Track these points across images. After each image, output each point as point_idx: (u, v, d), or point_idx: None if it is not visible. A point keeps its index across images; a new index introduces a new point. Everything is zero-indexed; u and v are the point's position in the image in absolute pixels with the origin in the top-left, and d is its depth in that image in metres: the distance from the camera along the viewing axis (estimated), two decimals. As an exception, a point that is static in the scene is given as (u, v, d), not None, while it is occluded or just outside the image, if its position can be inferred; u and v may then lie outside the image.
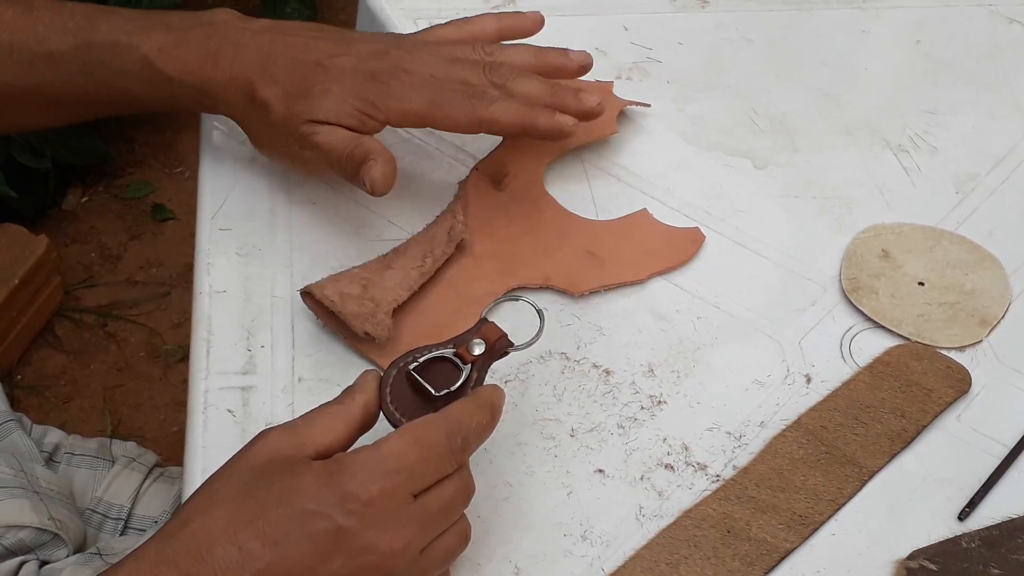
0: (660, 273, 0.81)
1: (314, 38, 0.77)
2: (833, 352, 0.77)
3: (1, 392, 0.87)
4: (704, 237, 0.83)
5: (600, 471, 0.71)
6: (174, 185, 2.04)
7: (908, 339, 0.78)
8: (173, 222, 1.99)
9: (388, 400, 0.63)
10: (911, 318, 0.79)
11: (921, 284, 0.81)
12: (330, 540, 0.56)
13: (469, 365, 0.65)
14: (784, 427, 0.73)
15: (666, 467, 0.71)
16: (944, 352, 0.77)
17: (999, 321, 0.79)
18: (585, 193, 0.86)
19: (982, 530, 0.69)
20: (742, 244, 0.83)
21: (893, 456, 0.72)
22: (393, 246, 0.79)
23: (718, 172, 0.88)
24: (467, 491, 0.62)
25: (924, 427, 0.73)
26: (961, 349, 0.78)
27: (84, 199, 2.02)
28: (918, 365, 0.76)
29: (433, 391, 0.64)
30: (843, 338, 0.78)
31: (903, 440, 0.72)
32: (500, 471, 0.70)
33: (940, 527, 0.69)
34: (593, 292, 0.80)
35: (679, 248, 0.83)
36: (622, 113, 0.90)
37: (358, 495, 0.56)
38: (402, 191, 0.81)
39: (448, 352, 0.65)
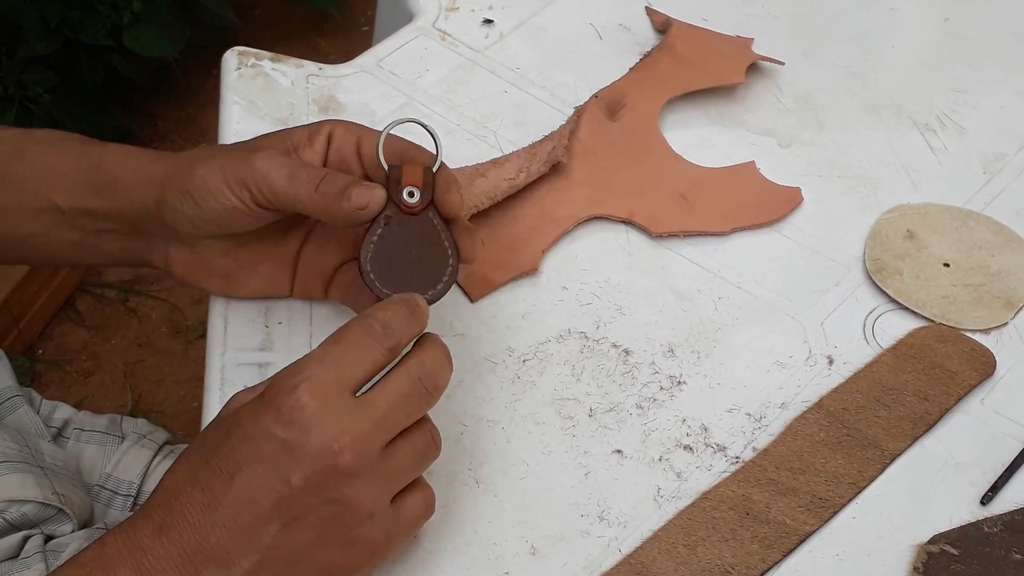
0: (746, 228, 0.82)
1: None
2: (856, 334, 0.76)
3: (9, 367, 0.86)
4: (802, 199, 0.83)
5: (618, 451, 0.70)
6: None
7: (932, 321, 0.77)
8: (195, 199, 1.99)
9: (372, 275, 0.64)
10: (936, 300, 0.78)
11: (946, 265, 0.80)
12: (279, 456, 0.56)
13: (426, 213, 0.65)
14: (805, 409, 0.72)
15: (685, 448, 0.70)
16: (969, 334, 0.76)
17: (1025, 304, 0.78)
18: (606, 171, 0.85)
19: (1004, 515, 0.68)
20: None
21: (915, 439, 0.71)
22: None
23: (742, 151, 0.87)
24: (423, 384, 0.59)
25: (947, 410, 0.72)
26: (986, 331, 0.77)
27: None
28: (942, 347, 0.75)
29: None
30: (866, 319, 0.77)
31: (926, 423, 0.71)
32: (517, 450, 0.70)
33: (962, 511, 0.68)
34: (672, 235, 0.81)
35: (773, 206, 0.83)
36: (755, 66, 0.91)
37: (290, 404, 0.56)
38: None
39: (391, 215, 0.65)
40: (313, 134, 0.68)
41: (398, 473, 0.59)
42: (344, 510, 0.57)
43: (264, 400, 0.57)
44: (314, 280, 0.73)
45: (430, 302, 0.64)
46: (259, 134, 0.71)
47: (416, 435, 0.60)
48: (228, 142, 0.84)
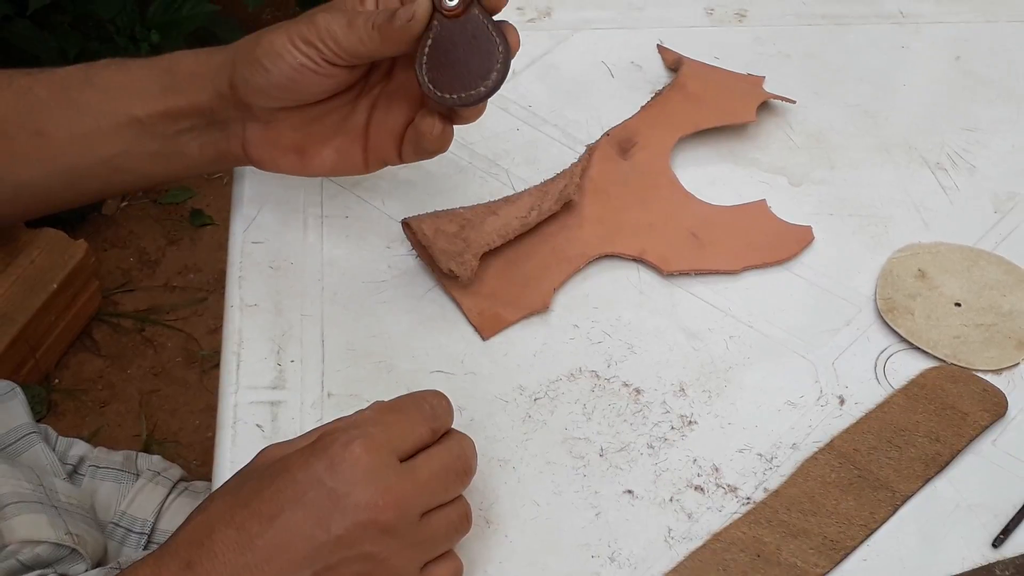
0: (757, 267, 0.82)
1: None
2: (867, 373, 0.76)
3: (25, 404, 0.87)
4: (813, 238, 0.83)
5: (629, 492, 0.70)
6: (213, 191, 2.05)
7: (944, 361, 0.77)
8: (211, 227, 2.00)
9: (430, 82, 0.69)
10: (947, 340, 0.78)
11: (958, 305, 0.80)
12: (323, 504, 0.58)
13: (469, 13, 0.69)
14: (816, 449, 0.72)
15: (696, 489, 0.71)
16: (980, 375, 0.76)
17: (1037, 344, 0.78)
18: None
19: (1017, 558, 0.68)
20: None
21: (927, 481, 0.71)
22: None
23: (753, 189, 0.87)
24: (459, 463, 0.63)
25: (959, 451, 0.72)
26: (998, 372, 0.77)
27: (123, 204, 2.03)
28: (954, 388, 0.75)
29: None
30: (878, 359, 0.77)
31: (937, 464, 0.71)
32: (528, 490, 0.70)
33: (974, 554, 0.68)
34: (683, 273, 0.81)
35: (784, 245, 0.83)
36: (766, 105, 0.91)
37: (343, 456, 0.58)
38: (436, 206, 0.80)
39: (436, 23, 0.69)
40: None
41: (431, 542, 0.62)
42: (376, 567, 0.59)
43: (316, 449, 0.59)
44: (386, 144, 0.76)
45: (488, 93, 0.70)
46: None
47: (451, 508, 0.63)
48: (243, 180, 0.85)
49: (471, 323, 0.77)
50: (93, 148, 0.74)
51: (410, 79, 0.73)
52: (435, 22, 0.69)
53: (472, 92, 0.70)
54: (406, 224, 0.78)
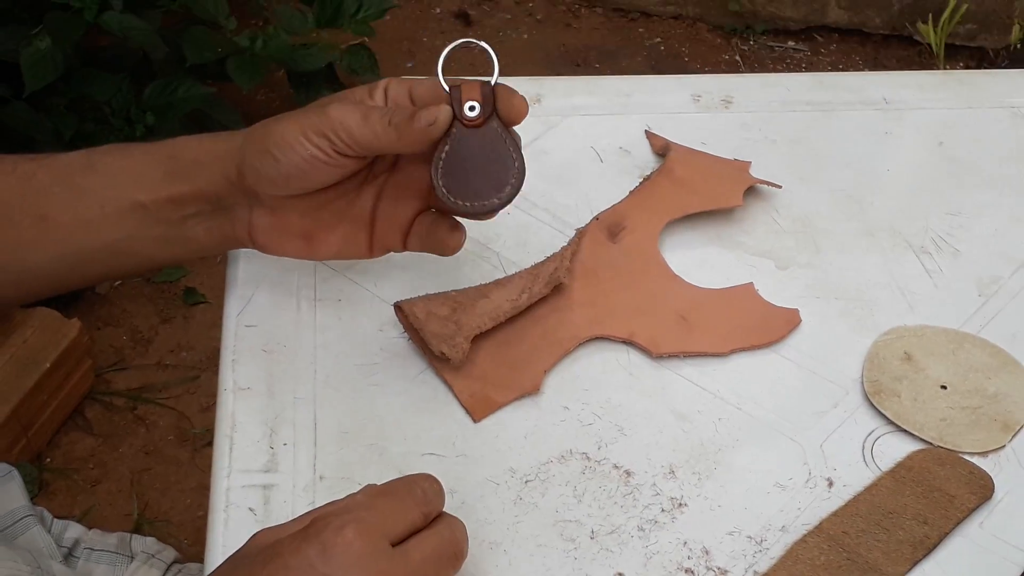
0: (745, 349, 0.83)
1: None
2: (855, 456, 0.77)
3: (22, 486, 0.87)
4: (801, 320, 0.84)
5: (620, 574, 0.70)
6: (206, 269, 2.06)
7: (931, 443, 0.78)
8: (204, 306, 2.02)
9: (444, 188, 0.72)
10: (933, 422, 0.78)
11: (944, 388, 0.81)
12: None
13: (488, 124, 0.72)
14: (805, 532, 0.73)
15: (686, 572, 0.71)
16: (967, 457, 0.77)
17: (1022, 426, 0.79)
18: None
19: (1005, 641, 0.68)
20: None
21: (915, 563, 0.71)
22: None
23: (741, 272, 0.88)
24: (451, 547, 0.64)
25: (946, 534, 0.73)
26: (984, 454, 0.77)
27: (117, 283, 2.04)
28: (941, 470, 0.76)
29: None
30: (865, 441, 0.78)
31: (925, 547, 0.72)
32: (519, 573, 0.70)
33: (963, 637, 0.69)
34: (672, 356, 0.82)
35: (772, 327, 0.84)
36: (752, 189, 0.93)
37: (335, 541, 0.59)
38: (428, 289, 0.81)
39: (455, 131, 0.72)
40: (372, 89, 0.74)
41: None
42: None
43: (308, 534, 0.60)
44: (392, 233, 0.77)
45: (501, 205, 0.72)
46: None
47: None
48: (236, 263, 0.86)
49: (462, 405, 0.78)
50: (98, 233, 0.75)
51: (417, 172, 0.76)
52: (454, 128, 0.71)
53: (486, 203, 0.72)
54: (398, 307, 0.80)
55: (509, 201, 0.72)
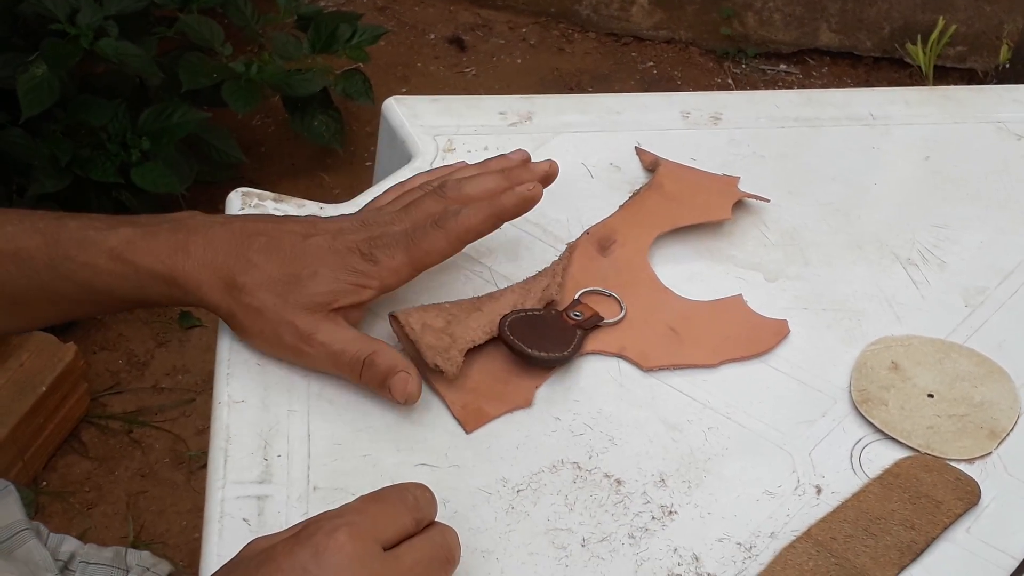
0: (734, 361, 0.84)
1: (281, 222, 0.80)
2: (843, 463, 0.78)
3: (19, 501, 0.88)
4: (789, 331, 0.85)
5: (610, 581, 0.71)
6: (202, 293, 2.07)
7: (918, 451, 0.78)
8: (200, 329, 2.02)
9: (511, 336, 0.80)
10: (921, 430, 0.79)
11: (931, 396, 0.82)
12: None
13: (576, 329, 0.82)
14: (794, 538, 0.73)
15: (676, 578, 0.72)
16: (954, 464, 0.78)
17: (1008, 433, 0.80)
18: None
19: (993, 644, 0.69)
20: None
21: (903, 568, 0.72)
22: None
23: (730, 284, 0.89)
24: (443, 553, 0.65)
25: (933, 539, 0.73)
26: (971, 461, 0.78)
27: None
28: (928, 477, 0.77)
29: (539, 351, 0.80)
30: (853, 449, 0.79)
31: (912, 552, 0.73)
32: (511, 581, 0.71)
33: (951, 641, 0.69)
34: (662, 368, 0.82)
35: (761, 338, 0.85)
36: (741, 203, 0.94)
37: (327, 544, 0.60)
38: (421, 302, 0.82)
39: (550, 313, 0.83)
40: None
41: None
42: None
43: (301, 538, 0.61)
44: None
45: (564, 360, 0.81)
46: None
47: None
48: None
49: (455, 417, 0.79)
50: (89, 278, 0.77)
51: None
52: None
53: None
54: (393, 317, 0.80)
55: (568, 360, 0.82)
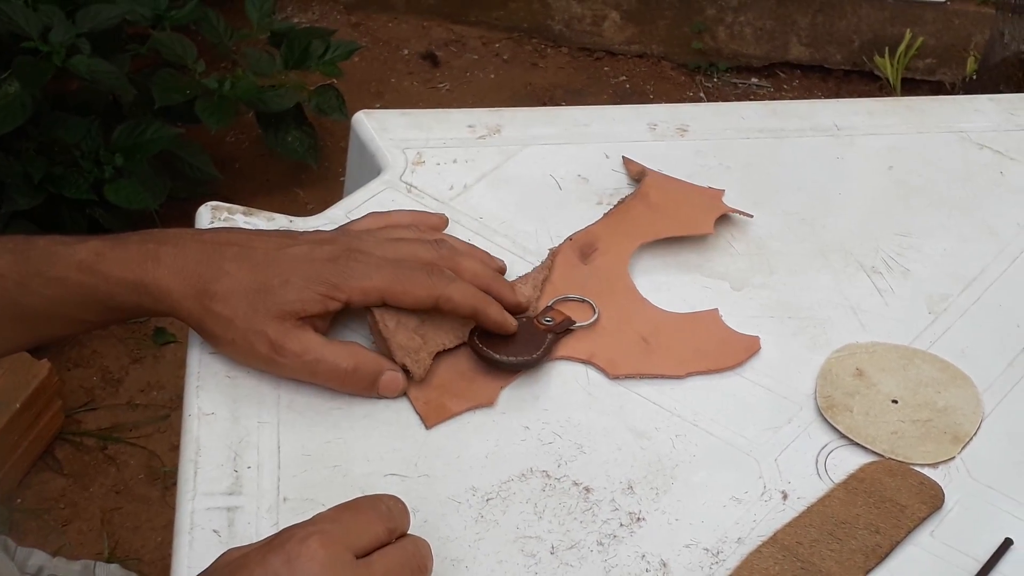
0: (701, 373, 0.84)
1: (256, 234, 0.81)
2: (809, 469, 0.79)
3: (-15, 516, 0.88)
4: (760, 347, 0.86)
5: (579, 588, 0.72)
6: (176, 309, 2.07)
7: (882, 456, 0.79)
8: (174, 345, 2.02)
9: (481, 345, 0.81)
10: (885, 435, 0.80)
11: (895, 402, 0.83)
12: None
13: (547, 334, 0.83)
14: (761, 543, 0.74)
15: (644, 584, 0.72)
16: (917, 469, 0.79)
17: (971, 438, 0.81)
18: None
19: (956, 645, 0.70)
20: (720, 364, 0.85)
21: (868, 572, 0.73)
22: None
23: (696, 293, 0.90)
24: (415, 561, 0.66)
25: (898, 543, 0.74)
26: (934, 466, 0.79)
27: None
28: (892, 481, 0.77)
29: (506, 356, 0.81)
30: (819, 455, 0.80)
31: (877, 556, 0.73)
32: (480, 589, 0.71)
33: (915, 642, 0.70)
34: (629, 376, 0.83)
35: (731, 353, 0.86)
36: (725, 218, 0.95)
37: (299, 551, 0.60)
38: (388, 314, 0.83)
39: (521, 319, 0.83)
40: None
41: None
42: None
43: (274, 545, 0.61)
44: None
45: (533, 364, 0.82)
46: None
47: None
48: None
49: (416, 411, 0.79)
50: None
51: None
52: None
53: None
54: (370, 311, 0.81)
55: (538, 364, 0.83)
